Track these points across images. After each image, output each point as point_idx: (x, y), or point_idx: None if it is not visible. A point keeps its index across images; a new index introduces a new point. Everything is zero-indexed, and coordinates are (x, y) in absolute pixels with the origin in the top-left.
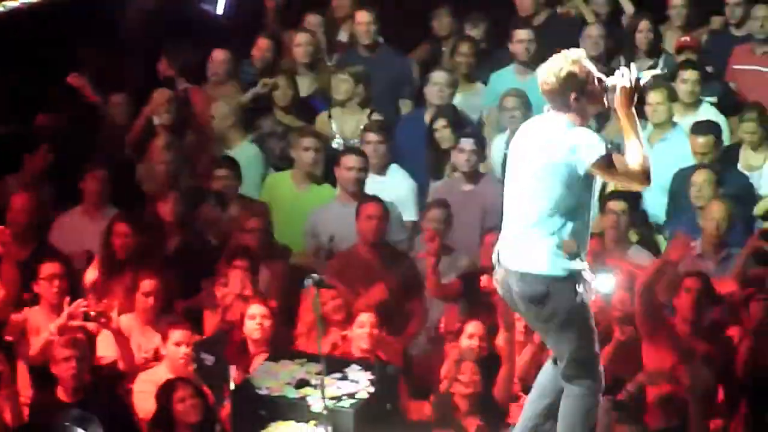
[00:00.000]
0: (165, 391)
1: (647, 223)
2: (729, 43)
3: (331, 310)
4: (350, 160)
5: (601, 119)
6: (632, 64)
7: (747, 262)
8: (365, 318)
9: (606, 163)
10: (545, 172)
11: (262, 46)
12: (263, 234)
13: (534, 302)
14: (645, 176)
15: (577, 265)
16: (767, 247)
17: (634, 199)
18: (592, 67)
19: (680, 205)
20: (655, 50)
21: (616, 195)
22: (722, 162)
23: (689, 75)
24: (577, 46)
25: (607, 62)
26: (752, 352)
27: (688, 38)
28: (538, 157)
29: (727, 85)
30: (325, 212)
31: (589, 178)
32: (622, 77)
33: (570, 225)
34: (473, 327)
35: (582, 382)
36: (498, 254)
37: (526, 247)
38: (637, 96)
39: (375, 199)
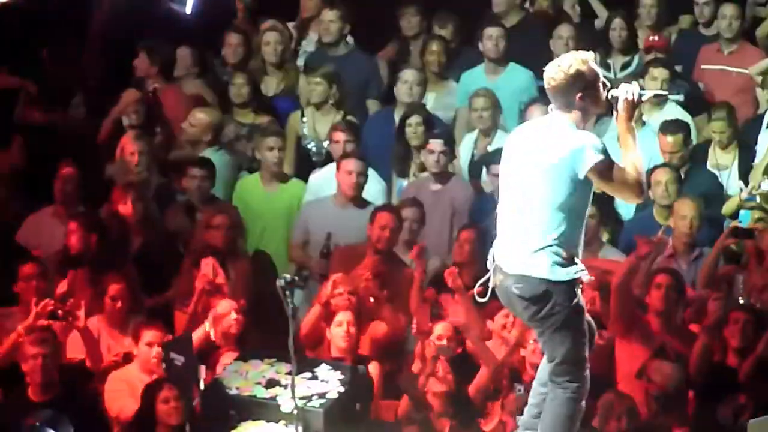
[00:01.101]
0: (150, 390)
1: (618, 222)
2: (697, 42)
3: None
4: (350, 164)
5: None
6: (634, 82)
7: (716, 261)
8: (343, 317)
9: (605, 169)
10: (547, 174)
11: (232, 41)
12: (228, 231)
13: (533, 302)
14: (640, 189)
15: (575, 271)
16: (735, 246)
17: (604, 201)
18: (599, 70)
19: (649, 206)
20: (629, 48)
21: None
22: (691, 161)
23: (659, 73)
24: (548, 46)
25: None
26: (707, 350)
27: (656, 37)
28: (540, 158)
29: (693, 84)
30: (319, 209)
31: (588, 181)
32: (626, 91)
33: (569, 228)
34: (441, 328)
35: (569, 384)
36: (493, 258)
37: (526, 251)
38: (637, 111)
39: (390, 208)
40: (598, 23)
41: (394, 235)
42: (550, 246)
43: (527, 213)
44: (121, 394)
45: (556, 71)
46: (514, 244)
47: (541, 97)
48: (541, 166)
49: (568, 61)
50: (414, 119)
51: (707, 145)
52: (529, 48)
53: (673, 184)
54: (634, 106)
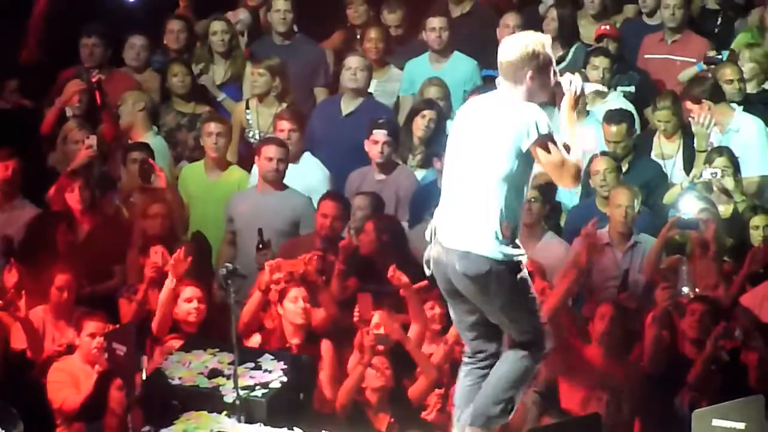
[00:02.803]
0: (105, 377)
1: (561, 211)
2: (641, 32)
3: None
4: (270, 150)
5: None
6: (577, 74)
7: (660, 251)
8: (296, 292)
9: (548, 145)
10: (492, 145)
11: (174, 28)
12: (165, 220)
13: (475, 281)
14: (578, 174)
15: (517, 251)
16: (678, 237)
17: (547, 188)
18: (553, 58)
19: (592, 193)
20: (568, 39)
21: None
22: (635, 150)
23: (600, 62)
24: (495, 35)
25: None
26: (658, 340)
27: (608, 27)
28: (487, 130)
29: (644, 75)
30: (242, 200)
31: (530, 157)
32: (569, 82)
33: (510, 204)
34: (379, 317)
35: (532, 348)
36: (434, 231)
37: (468, 226)
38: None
39: (332, 196)
40: (542, 9)
41: (336, 223)
42: (493, 221)
43: (471, 184)
44: (64, 385)
45: (512, 46)
46: (455, 216)
47: (486, 86)
48: (487, 137)
49: (526, 40)
50: (428, 113)
51: (651, 134)
52: (476, 36)
53: (611, 173)
54: (578, 97)
